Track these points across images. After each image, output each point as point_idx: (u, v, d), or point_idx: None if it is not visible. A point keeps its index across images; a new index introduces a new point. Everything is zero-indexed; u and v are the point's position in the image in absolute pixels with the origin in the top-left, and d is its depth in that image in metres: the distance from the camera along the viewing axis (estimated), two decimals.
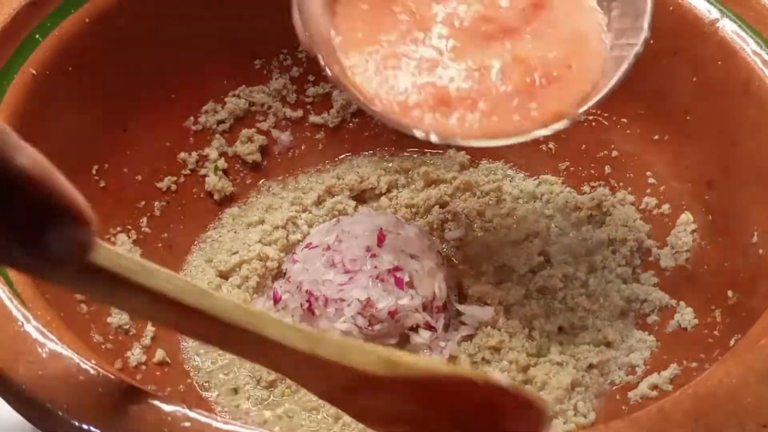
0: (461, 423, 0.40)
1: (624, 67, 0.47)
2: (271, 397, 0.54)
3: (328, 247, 0.58)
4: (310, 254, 0.58)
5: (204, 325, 0.35)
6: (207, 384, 0.55)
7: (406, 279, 0.56)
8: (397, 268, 0.56)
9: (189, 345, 0.57)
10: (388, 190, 0.66)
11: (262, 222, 0.64)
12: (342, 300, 0.55)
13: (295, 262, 0.59)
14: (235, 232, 0.64)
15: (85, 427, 0.36)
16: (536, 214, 0.63)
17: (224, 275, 0.61)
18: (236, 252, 0.61)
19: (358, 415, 0.42)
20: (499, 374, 0.52)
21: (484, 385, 0.39)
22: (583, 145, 0.65)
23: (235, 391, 0.55)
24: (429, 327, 0.56)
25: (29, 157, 0.29)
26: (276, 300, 0.58)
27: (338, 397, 0.40)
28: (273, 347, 0.35)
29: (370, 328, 0.55)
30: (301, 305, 0.56)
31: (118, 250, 0.33)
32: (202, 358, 0.56)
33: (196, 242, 0.63)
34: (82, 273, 0.32)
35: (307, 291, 0.56)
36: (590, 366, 0.55)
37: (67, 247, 0.30)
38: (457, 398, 0.39)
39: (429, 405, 0.39)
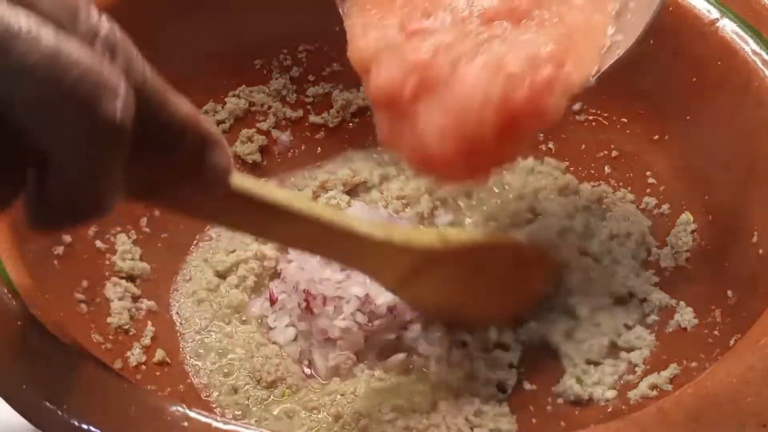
0: (499, 277, 0.53)
1: (646, 21, 0.46)
2: (271, 397, 0.54)
3: None
4: (305, 253, 0.58)
5: (307, 228, 0.44)
6: (207, 384, 0.55)
7: None
8: None
9: (189, 345, 0.57)
10: (380, 183, 0.66)
11: None
12: (340, 298, 0.55)
13: (289, 262, 0.59)
14: (234, 232, 0.64)
15: (85, 427, 0.36)
16: (528, 188, 0.63)
17: (222, 275, 0.60)
18: (233, 251, 0.61)
19: (417, 299, 0.53)
20: (519, 235, 0.60)
21: (511, 245, 0.55)
22: (583, 145, 0.65)
23: (235, 391, 0.54)
24: None
25: (184, 104, 0.33)
26: (272, 301, 0.58)
27: (404, 280, 0.50)
28: (357, 239, 0.46)
29: (369, 324, 0.55)
30: (299, 305, 0.56)
31: (238, 174, 0.39)
32: (202, 359, 0.56)
33: (195, 242, 0.63)
34: (224, 197, 0.38)
35: (304, 291, 0.56)
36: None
37: (218, 170, 0.35)
38: (493, 258, 0.53)
39: (472, 268, 0.51)
